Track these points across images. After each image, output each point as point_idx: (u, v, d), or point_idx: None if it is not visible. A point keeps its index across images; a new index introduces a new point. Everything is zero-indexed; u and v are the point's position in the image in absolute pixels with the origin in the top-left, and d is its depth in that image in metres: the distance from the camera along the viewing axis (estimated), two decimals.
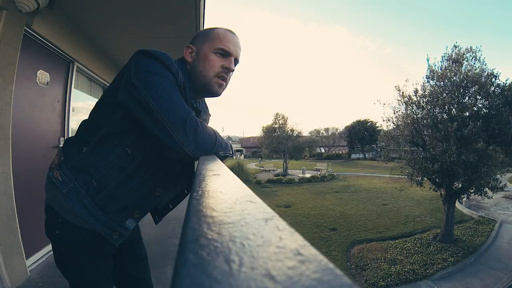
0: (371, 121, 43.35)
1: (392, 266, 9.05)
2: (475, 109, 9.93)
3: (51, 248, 0.95)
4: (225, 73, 0.89)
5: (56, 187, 0.83)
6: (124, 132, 0.82)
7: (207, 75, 0.88)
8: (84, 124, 0.90)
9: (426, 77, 10.95)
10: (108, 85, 0.95)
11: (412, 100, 10.99)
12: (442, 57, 10.65)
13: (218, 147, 0.80)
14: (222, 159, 0.83)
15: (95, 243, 0.87)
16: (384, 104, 11.77)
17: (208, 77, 0.88)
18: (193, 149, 0.73)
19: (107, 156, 0.83)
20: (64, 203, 0.82)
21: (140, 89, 0.73)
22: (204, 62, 0.87)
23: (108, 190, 0.83)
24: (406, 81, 11.33)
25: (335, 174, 26.04)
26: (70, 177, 0.82)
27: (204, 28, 0.98)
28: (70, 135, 2.95)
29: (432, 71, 10.76)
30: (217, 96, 0.94)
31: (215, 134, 0.81)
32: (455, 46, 10.43)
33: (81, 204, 0.81)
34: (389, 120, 11.81)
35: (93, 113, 0.89)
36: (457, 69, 10.02)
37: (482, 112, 9.78)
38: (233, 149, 0.95)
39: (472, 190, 10.14)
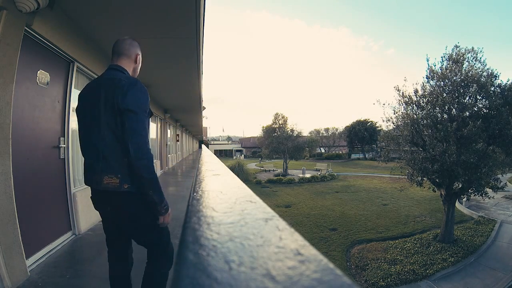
0: (371, 121, 43.33)
1: (392, 266, 9.05)
2: (475, 109, 9.93)
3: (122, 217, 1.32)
4: None
5: (129, 193, 1.24)
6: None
7: (138, 73, 1.55)
8: (113, 140, 1.25)
9: (426, 77, 10.96)
10: None
11: (412, 100, 10.99)
12: (442, 57, 10.66)
13: (151, 182, 1.22)
14: (149, 197, 1.23)
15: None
16: (384, 104, 11.78)
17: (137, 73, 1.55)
18: (135, 161, 1.19)
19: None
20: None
21: (134, 120, 1.22)
22: (139, 64, 1.54)
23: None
24: (405, 80, 11.32)
25: (335, 174, 26.05)
26: (129, 180, 1.25)
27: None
28: (70, 135, 2.94)
29: (432, 71, 10.76)
30: None
31: (155, 176, 1.24)
32: (456, 46, 10.43)
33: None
34: (389, 120, 11.83)
35: (113, 128, 1.24)
36: (457, 69, 10.02)
37: (482, 112, 9.78)
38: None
39: (472, 191, 10.13)
